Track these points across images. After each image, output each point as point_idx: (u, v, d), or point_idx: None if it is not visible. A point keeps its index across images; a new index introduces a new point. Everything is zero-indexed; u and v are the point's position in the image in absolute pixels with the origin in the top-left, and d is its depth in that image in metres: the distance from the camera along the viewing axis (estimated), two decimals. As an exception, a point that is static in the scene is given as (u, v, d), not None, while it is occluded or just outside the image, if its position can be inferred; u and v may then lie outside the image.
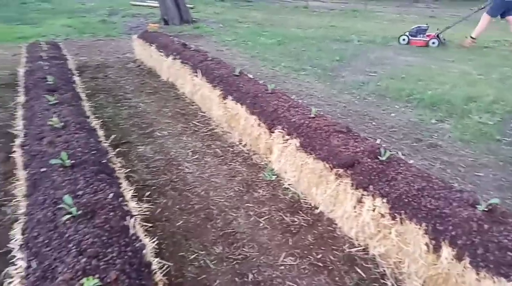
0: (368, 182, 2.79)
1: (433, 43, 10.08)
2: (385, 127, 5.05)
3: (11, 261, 2.41)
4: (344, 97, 6.24)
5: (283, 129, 3.67)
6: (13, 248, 2.40)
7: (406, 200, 2.53)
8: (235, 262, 2.75)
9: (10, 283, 2.08)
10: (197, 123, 5.11)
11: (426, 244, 2.31)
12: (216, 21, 14.18)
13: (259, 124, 4.05)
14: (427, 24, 10.46)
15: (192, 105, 5.70)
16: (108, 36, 10.88)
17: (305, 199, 3.46)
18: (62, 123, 3.38)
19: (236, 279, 2.59)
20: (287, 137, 3.61)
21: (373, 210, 2.67)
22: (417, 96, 6.10)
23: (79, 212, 2.21)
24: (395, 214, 2.53)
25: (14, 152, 3.85)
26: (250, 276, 2.62)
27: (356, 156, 3.00)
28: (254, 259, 2.77)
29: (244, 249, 2.88)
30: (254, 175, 3.92)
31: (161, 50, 6.88)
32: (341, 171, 2.99)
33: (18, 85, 5.67)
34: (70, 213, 2.19)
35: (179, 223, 3.16)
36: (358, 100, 6.09)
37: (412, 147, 4.52)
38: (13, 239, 2.78)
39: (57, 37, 10.38)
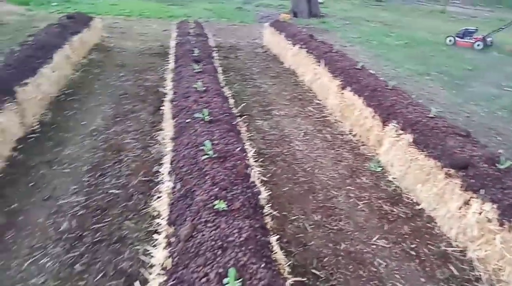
0: (480, 185, 2.76)
1: (478, 45, 10.15)
2: (512, 144, 4.69)
3: (158, 184, 3.09)
4: (470, 107, 5.88)
5: (398, 124, 3.76)
6: (161, 175, 3.07)
7: (519, 209, 2.47)
8: (330, 231, 3.01)
9: (159, 197, 2.71)
10: (312, 109, 5.43)
11: (533, 255, 2.26)
12: (343, 18, 14.20)
13: (373, 117, 4.18)
14: (476, 27, 10.70)
15: (309, 93, 6.03)
16: (242, 22, 11.84)
17: (407, 194, 3.52)
18: (204, 88, 4.02)
19: (330, 244, 2.86)
20: (400, 132, 3.69)
21: (480, 214, 2.66)
22: (560, 119, 5.44)
23: (215, 155, 2.72)
24: (504, 221, 2.49)
25: (162, 106, 4.70)
26: (343, 245, 2.86)
27: (471, 159, 2.98)
28: (349, 233, 3.00)
29: (340, 222, 3.12)
30: (360, 163, 4.08)
31: (288, 39, 7.34)
32: (452, 171, 2.99)
33: (167, 55, 6.70)
34: (208, 154, 2.72)
35: (284, 189, 3.54)
36: (486, 113, 5.68)
37: (541, 169, 4.13)
38: (155, 171, 3.51)
39: (199, 18, 11.67)
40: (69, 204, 3.12)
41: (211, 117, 3.35)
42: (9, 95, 3.91)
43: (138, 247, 2.70)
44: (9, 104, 3.82)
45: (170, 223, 2.26)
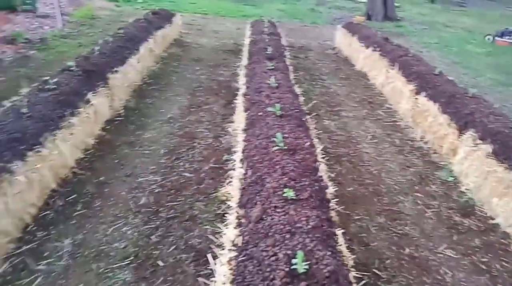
0: None
1: None
2: None
3: (227, 172, 3.28)
4: (561, 123, 5.35)
5: (476, 133, 3.57)
6: (231, 163, 3.25)
7: None
8: (394, 234, 2.97)
9: (230, 182, 2.88)
10: (382, 113, 5.32)
11: None
12: (421, 22, 13.57)
13: (448, 124, 4.00)
14: None
15: (380, 96, 5.90)
16: (313, 23, 11.85)
17: (481, 207, 3.34)
18: (276, 84, 4.15)
19: (393, 247, 2.83)
20: (478, 141, 3.51)
21: None
22: None
23: (285, 147, 2.82)
24: None
25: (233, 100, 4.92)
26: (407, 250, 2.81)
27: (559, 176, 2.76)
28: (414, 239, 2.94)
29: (405, 227, 3.06)
30: (430, 171, 3.94)
31: (361, 41, 7.22)
32: (535, 186, 2.80)
33: (239, 52, 6.97)
34: (278, 146, 2.83)
35: (349, 189, 3.54)
36: None
37: None
38: (225, 159, 3.71)
39: (272, 18, 11.88)
40: (147, 182, 3.42)
41: (282, 112, 3.46)
42: (103, 80, 4.37)
43: (207, 227, 2.90)
44: (102, 88, 4.27)
45: (241, 205, 2.40)
